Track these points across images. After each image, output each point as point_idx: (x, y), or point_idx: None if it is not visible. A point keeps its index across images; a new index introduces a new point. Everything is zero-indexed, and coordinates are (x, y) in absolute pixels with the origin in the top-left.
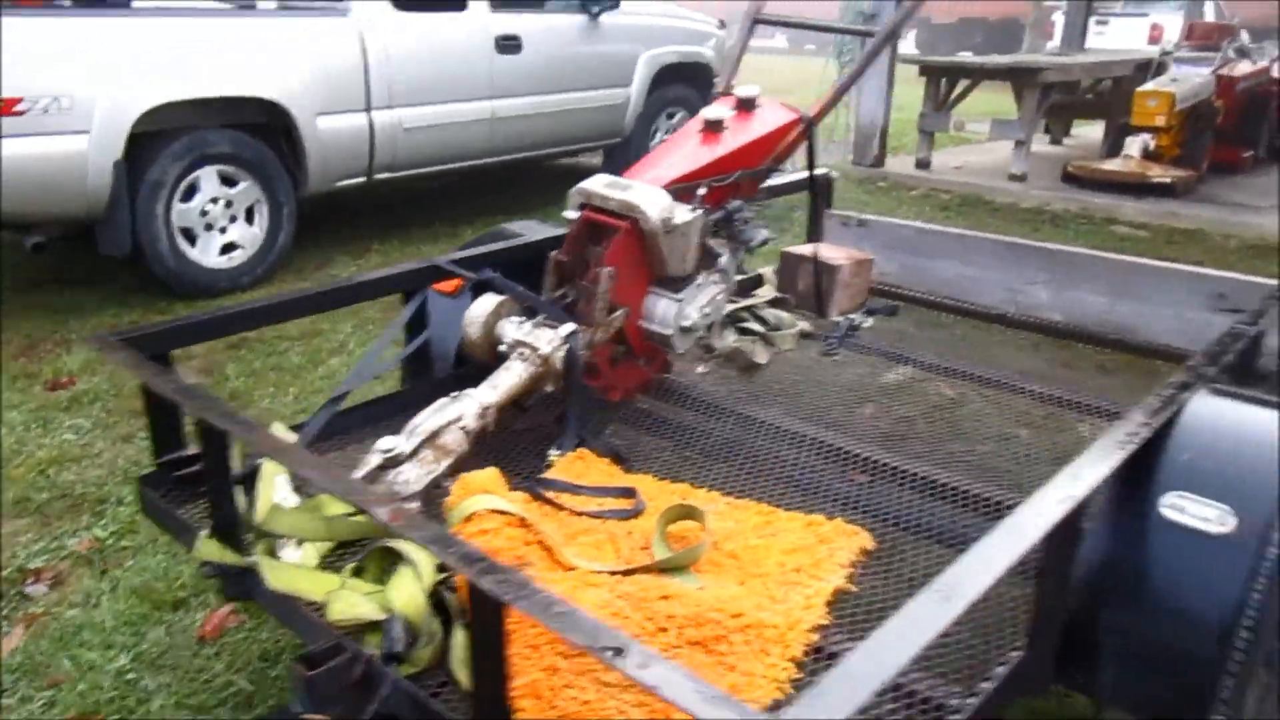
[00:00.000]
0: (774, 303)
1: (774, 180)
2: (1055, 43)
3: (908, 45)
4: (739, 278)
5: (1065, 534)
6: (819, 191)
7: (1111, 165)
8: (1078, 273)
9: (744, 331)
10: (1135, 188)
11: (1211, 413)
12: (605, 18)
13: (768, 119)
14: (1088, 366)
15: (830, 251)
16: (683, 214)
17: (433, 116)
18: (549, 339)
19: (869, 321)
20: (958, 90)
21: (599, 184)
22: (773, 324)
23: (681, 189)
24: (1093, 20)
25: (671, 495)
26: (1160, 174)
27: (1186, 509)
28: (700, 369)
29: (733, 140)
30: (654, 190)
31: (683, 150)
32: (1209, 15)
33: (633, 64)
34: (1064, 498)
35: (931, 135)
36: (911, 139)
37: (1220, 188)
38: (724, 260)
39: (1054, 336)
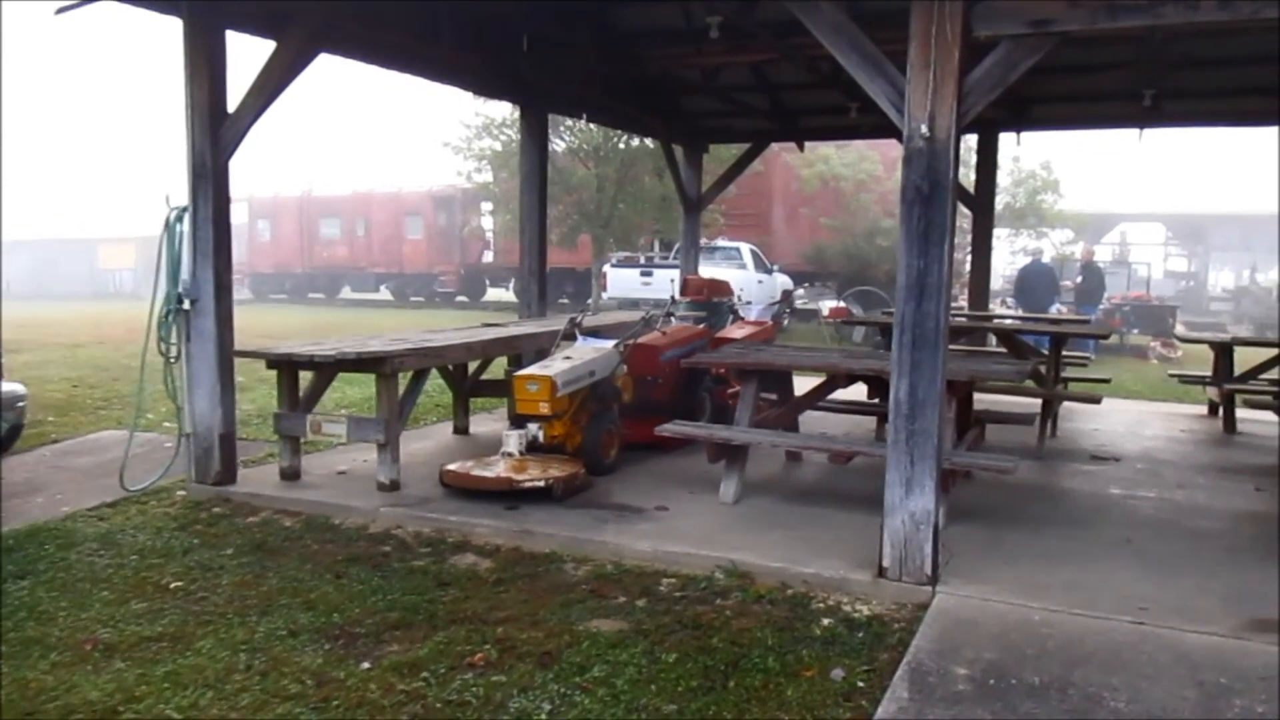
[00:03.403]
0: None
1: None
2: (609, 293)
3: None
4: None
5: None
6: None
7: (482, 469)
8: None
9: None
10: (507, 494)
11: None
12: None
13: None
14: None
15: None
16: None
17: None
18: None
19: None
20: (323, 383)
21: None
22: None
23: None
24: (638, 271)
25: None
26: (534, 477)
27: None
28: None
29: None
30: None
31: None
32: (748, 264)
33: None
34: None
35: (296, 440)
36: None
37: (622, 480)
38: None
39: None
